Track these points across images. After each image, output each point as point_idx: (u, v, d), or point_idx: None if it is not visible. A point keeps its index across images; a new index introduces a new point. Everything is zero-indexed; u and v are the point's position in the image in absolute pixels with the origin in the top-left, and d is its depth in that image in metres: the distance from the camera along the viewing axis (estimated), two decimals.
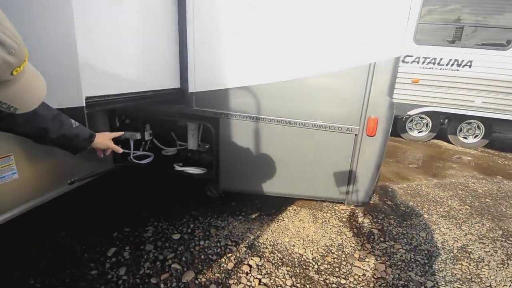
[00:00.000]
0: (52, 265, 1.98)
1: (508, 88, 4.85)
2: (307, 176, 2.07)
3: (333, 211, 2.92)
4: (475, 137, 5.94)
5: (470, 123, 5.84)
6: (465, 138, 6.01)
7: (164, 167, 2.67)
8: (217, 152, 2.24)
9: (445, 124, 6.19)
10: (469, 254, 2.43)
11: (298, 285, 1.96)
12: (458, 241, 2.62)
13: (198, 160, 2.65)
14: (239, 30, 1.92)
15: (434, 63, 5.13)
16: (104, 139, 1.40)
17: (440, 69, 5.10)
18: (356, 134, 1.86)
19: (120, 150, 1.47)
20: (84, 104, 1.34)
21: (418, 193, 3.60)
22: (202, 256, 2.15)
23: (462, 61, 4.95)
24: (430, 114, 5.90)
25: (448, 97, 5.19)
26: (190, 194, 3.06)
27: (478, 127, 5.84)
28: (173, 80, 2.10)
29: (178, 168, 2.61)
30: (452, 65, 5.00)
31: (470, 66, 4.94)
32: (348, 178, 1.97)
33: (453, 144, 6.14)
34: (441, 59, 5.04)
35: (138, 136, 2.72)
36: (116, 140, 2.53)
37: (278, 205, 2.95)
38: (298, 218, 2.76)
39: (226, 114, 2.07)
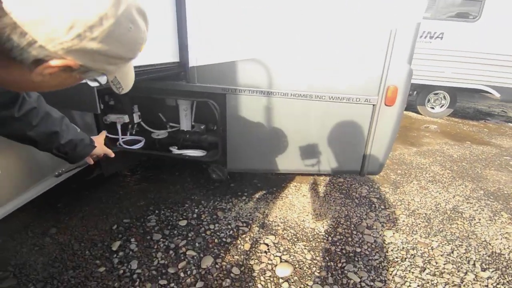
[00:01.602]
0: (50, 266, 1.77)
1: (475, 59, 5.17)
2: (322, 151, 2.02)
3: (331, 184, 2.96)
4: (441, 107, 6.35)
5: (437, 93, 6.21)
6: (432, 108, 6.40)
7: (160, 151, 2.47)
8: (224, 131, 2.09)
9: (413, 95, 6.52)
10: (461, 214, 2.62)
11: (318, 258, 1.97)
12: (449, 203, 2.80)
13: (197, 142, 2.48)
14: None
15: None
16: (99, 144, 1.27)
17: None
18: (374, 105, 1.83)
19: (113, 154, 1.35)
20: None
21: (403, 162, 3.78)
22: (216, 240, 2.06)
23: (435, 33, 5.15)
24: None
25: (421, 69, 5.41)
26: (183, 178, 2.91)
27: (444, 97, 6.23)
28: (170, 53, 1.88)
29: (176, 151, 2.42)
30: (425, 37, 5.19)
31: (441, 38, 5.16)
32: (364, 149, 1.96)
33: (421, 114, 6.53)
34: None
35: (126, 119, 2.45)
36: (101, 124, 2.28)
37: (278, 183, 2.92)
38: (301, 193, 2.76)
39: (234, 89, 1.92)
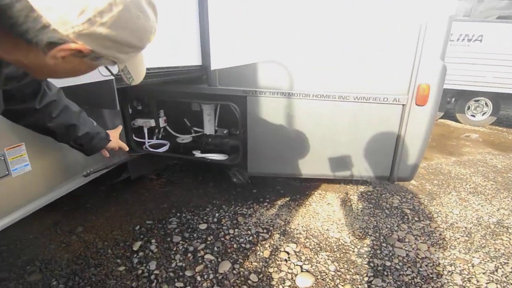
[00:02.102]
0: (74, 263, 1.82)
1: None
2: (348, 155, 1.91)
3: (359, 194, 2.80)
4: (483, 114, 5.88)
5: (478, 100, 5.77)
6: (473, 116, 5.94)
7: (183, 155, 2.50)
8: (244, 134, 2.07)
9: (451, 103, 6.12)
10: (507, 229, 2.34)
11: (342, 270, 1.84)
12: (493, 216, 2.52)
13: (219, 145, 2.48)
14: None
15: None
16: (115, 138, 1.35)
17: (450, 45, 4.98)
18: (404, 105, 1.70)
19: (127, 148, 1.45)
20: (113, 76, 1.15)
21: (440, 172, 3.50)
22: (235, 245, 2.01)
23: (473, 35, 4.82)
24: None
25: (459, 73, 5.07)
26: (206, 183, 2.92)
27: (486, 104, 5.77)
28: (193, 56, 1.91)
29: (198, 155, 2.43)
30: (463, 40, 4.88)
31: (480, 41, 4.82)
32: (393, 153, 1.83)
33: (461, 123, 6.08)
34: (451, 34, 4.91)
35: (152, 123, 2.53)
36: (129, 128, 2.34)
37: (302, 190, 2.83)
38: (325, 202, 2.63)
39: (254, 91, 1.89)
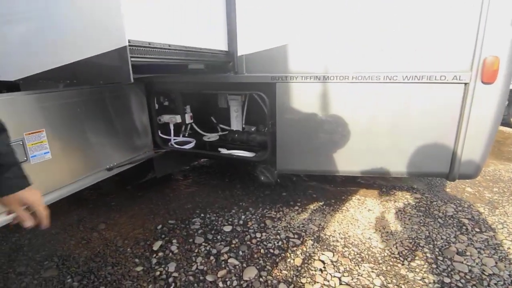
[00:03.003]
0: (91, 261, 1.71)
1: None
2: (396, 147, 1.62)
3: (405, 200, 2.46)
4: None
5: None
6: None
7: (209, 151, 2.36)
8: (273, 127, 1.87)
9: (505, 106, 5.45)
10: None
11: (390, 285, 1.54)
12: None
13: (246, 142, 2.31)
14: None
15: None
16: (35, 193, 0.81)
17: None
18: (466, 83, 1.40)
19: (44, 219, 0.82)
20: (127, 43, 1.03)
21: (499, 179, 3.02)
22: (262, 250, 1.79)
23: None
24: None
25: None
26: (233, 184, 2.75)
27: None
28: (219, 41, 1.78)
29: (224, 151, 2.28)
30: None
31: None
32: (454, 145, 1.51)
33: None
34: None
35: (178, 119, 2.43)
36: (155, 124, 2.24)
37: (337, 194, 2.55)
38: (365, 208, 2.33)
39: (284, 77, 1.70)
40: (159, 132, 2.41)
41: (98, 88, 1.85)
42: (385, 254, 1.77)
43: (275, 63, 1.73)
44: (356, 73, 1.56)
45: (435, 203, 2.42)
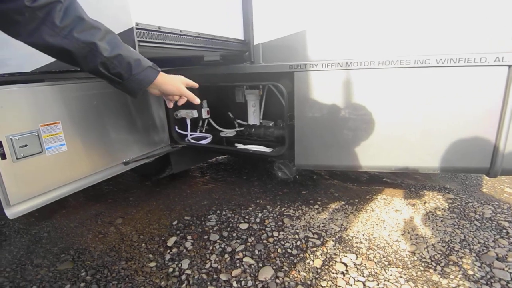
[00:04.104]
0: (106, 255, 1.69)
1: None
2: (426, 140, 1.46)
3: (436, 201, 2.26)
4: None
5: None
6: None
7: (224, 146, 2.31)
8: (291, 119, 1.77)
9: None
10: None
11: None
12: None
13: (263, 136, 2.22)
14: None
15: None
16: (175, 81, 1.02)
17: None
18: (510, 66, 1.23)
19: (197, 100, 1.13)
20: (134, 25, 0.98)
21: None
22: (279, 250, 1.69)
23: None
24: None
25: None
26: (251, 182, 2.67)
27: None
28: (235, 29, 1.70)
29: (241, 146, 2.21)
30: None
31: None
32: (496, 137, 1.33)
33: None
34: None
35: (195, 113, 2.39)
36: (172, 119, 2.20)
37: (361, 194, 2.39)
38: (392, 208, 2.16)
39: (303, 65, 1.59)
40: (176, 127, 2.38)
41: None
42: (415, 258, 1.62)
43: (293, 51, 1.63)
44: (383, 58, 1.42)
45: (470, 204, 2.20)
